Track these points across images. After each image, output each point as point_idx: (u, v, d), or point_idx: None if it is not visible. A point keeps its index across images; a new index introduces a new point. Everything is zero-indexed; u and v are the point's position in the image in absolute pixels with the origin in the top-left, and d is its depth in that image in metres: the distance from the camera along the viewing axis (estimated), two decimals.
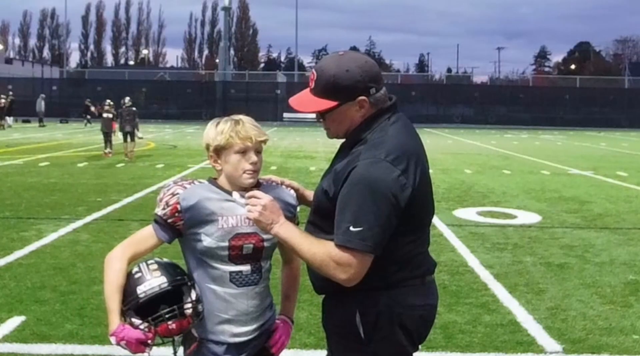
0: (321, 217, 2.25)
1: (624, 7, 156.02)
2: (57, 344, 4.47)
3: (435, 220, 9.09)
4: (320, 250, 2.14)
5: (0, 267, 6.43)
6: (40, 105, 39.60)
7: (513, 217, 9.81)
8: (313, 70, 2.29)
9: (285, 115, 49.78)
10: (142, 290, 2.24)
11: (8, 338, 4.56)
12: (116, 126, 18.96)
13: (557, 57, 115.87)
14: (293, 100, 2.33)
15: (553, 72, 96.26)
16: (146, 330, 2.22)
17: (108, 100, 20.35)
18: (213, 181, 2.38)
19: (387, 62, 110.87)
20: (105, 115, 19.47)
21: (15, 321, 4.89)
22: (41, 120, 38.69)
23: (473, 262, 6.93)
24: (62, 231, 8.11)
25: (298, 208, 2.50)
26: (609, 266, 6.87)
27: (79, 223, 8.62)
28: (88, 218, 8.97)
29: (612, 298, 5.73)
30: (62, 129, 35.58)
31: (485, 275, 6.40)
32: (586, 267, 6.81)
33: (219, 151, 2.32)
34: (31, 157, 17.93)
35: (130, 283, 2.27)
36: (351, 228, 2.09)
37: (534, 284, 6.13)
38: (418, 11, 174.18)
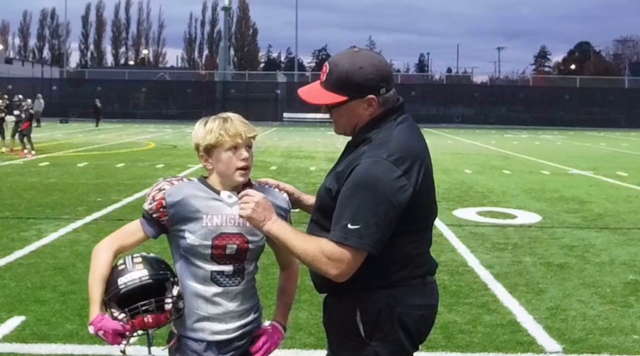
0: (324, 216, 2.26)
1: (624, 7, 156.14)
2: (57, 344, 4.48)
3: (436, 220, 9.08)
4: (312, 245, 2.15)
5: (0, 266, 6.43)
6: (39, 105, 39.08)
7: (513, 217, 9.80)
8: (326, 63, 2.29)
9: (285, 115, 49.78)
10: (123, 281, 2.26)
11: (8, 338, 4.57)
12: (28, 126, 18.44)
13: (557, 57, 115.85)
14: (302, 91, 2.34)
15: (553, 72, 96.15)
16: (125, 321, 2.24)
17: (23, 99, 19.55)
18: (203, 180, 2.39)
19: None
20: (16, 112, 18.93)
21: (15, 321, 4.89)
22: (38, 121, 38.17)
23: (473, 261, 6.93)
24: (62, 231, 8.11)
25: (292, 212, 2.49)
26: (609, 266, 6.87)
27: (79, 223, 8.62)
28: (88, 218, 8.97)
29: (612, 298, 5.73)
30: (62, 129, 35.58)
31: (485, 275, 6.40)
32: (586, 267, 6.81)
33: (209, 150, 2.32)
34: (31, 157, 17.91)
35: (113, 274, 2.30)
36: (349, 226, 2.10)
37: (534, 284, 6.13)
38: (418, 11, 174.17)
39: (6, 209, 9.60)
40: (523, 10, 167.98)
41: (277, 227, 2.21)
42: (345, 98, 2.23)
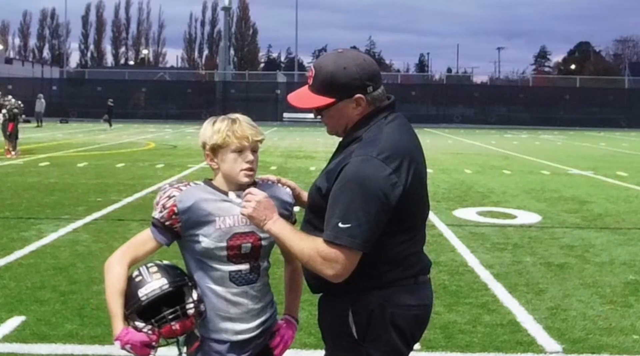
0: (315, 215, 2.27)
1: (624, 7, 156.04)
2: (57, 344, 4.47)
3: (435, 220, 9.10)
4: (308, 245, 2.16)
5: (0, 266, 6.43)
6: (41, 105, 38.92)
7: (513, 217, 9.80)
8: (312, 66, 2.30)
9: (285, 115, 49.78)
10: (144, 293, 2.26)
11: (8, 338, 4.57)
12: (13, 126, 18.30)
13: (557, 57, 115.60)
14: (291, 96, 2.34)
15: (553, 72, 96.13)
16: (150, 332, 2.23)
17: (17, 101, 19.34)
18: (209, 182, 2.39)
19: (387, 62, 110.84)
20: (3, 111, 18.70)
21: (15, 321, 4.89)
22: (40, 121, 38.16)
23: (473, 261, 6.92)
24: (62, 231, 8.11)
25: (296, 208, 2.51)
26: (609, 266, 6.87)
27: (79, 223, 8.62)
28: (88, 218, 8.97)
29: (612, 298, 5.73)
30: (62, 129, 35.57)
31: (485, 275, 6.40)
32: (586, 267, 6.81)
33: (215, 150, 2.33)
34: (31, 157, 17.91)
35: (131, 287, 2.28)
36: (340, 225, 2.10)
37: (534, 284, 6.13)
38: (418, 11, 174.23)
39: (6, 209, 9.60)
40: (523, 10, 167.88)
41: (277, 226, 2.22)
42: (332, 100, 2.23)
